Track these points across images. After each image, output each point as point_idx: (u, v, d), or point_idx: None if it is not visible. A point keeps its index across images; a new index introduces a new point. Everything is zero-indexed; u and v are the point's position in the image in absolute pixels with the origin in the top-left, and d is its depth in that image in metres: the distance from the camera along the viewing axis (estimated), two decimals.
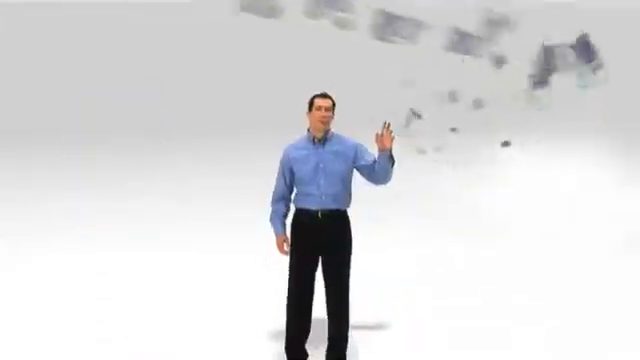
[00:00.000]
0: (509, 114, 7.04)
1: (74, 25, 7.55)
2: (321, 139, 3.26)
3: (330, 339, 3.38)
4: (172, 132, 8.04)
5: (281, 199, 3.40)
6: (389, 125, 3.09)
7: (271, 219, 3.44)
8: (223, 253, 5.81)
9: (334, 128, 3.36)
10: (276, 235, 3.41)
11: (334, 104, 3.29)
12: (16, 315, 4.26)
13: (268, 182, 3.55)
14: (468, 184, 7.85)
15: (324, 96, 3.26)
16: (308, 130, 3.31)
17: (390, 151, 3.15)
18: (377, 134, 3.11)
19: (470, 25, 6.21)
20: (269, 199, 3.50)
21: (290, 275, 3.34)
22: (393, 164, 3.23)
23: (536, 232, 6.85)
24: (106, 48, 7.71)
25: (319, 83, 4.07)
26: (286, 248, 3.39)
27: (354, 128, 4.29)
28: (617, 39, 6.54)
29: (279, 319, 3.97)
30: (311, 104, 3.26)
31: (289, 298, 3.36)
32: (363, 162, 3.27)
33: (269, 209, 3.47)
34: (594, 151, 7.93)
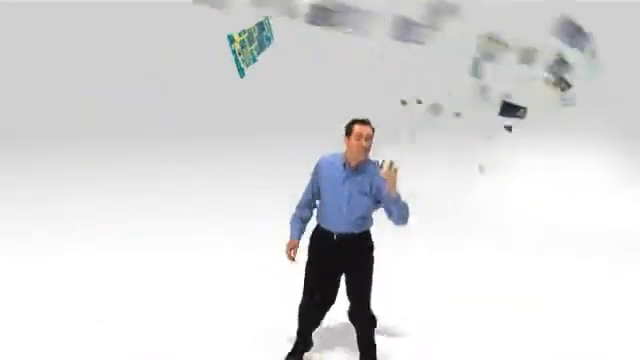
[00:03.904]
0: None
1: (76, 25, 7.55)
2: (354, 167, 3.13)
3: (360, 351, 3.42)
4: (172, 132, 8.04)
5: (306, 206, 3.38)
6: (392, 163, 2.89)
7: (291, 221, 3.42)
8: (223, 253, 5.81)
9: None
10: (290, 238, 3.37)
11: (373, 131, 3.12)
12: (16, 315, 4.26)
13: (268, 182, 3.56)
14: (467, 184, 7.86)
15: (364, 122, 3.10)
16: (348, 152, 3.14)
17: (396, 195, 2.96)
18: (382, 174, 2.92)
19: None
20: (268, 199, 3.51)
21: (304, 286, 3.38)
22: (405, 207, 3.03)
23: (537, 231, 6.85)
24: (106, 49, 7.70)
25: (321, 84, 4.07)
26: (293, 255, 3.38)
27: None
28: (616, 36, 6.53)
29: (279, 319, 3.98)
30: (350, 130, 3.09)
31: (300, 307, 3.43)
32: (380, 199, 3.10)
33: (292, 210, 3.45)
34: (595, 151, 7.93)
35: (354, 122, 3.10)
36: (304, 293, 3.39)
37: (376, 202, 3.13)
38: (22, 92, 7.80)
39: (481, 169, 6.84)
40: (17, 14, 7.51)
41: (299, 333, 3.53)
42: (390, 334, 3.96)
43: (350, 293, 3.31)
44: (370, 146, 3.08)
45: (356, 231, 3.20)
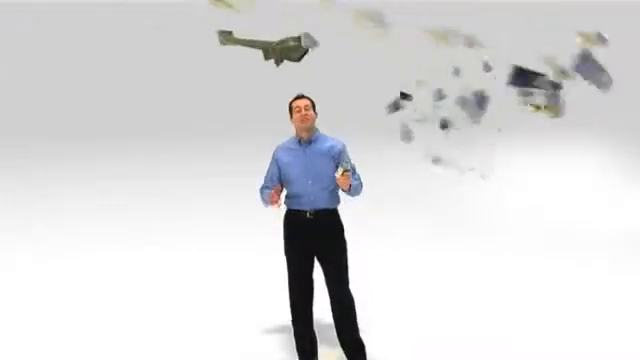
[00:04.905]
0: (509, 113, 7.03)
1: (75, 26, 7.56)
2: (307, 140, 3.28)
3: (344, 346, 3.34)
4: (173, 132, 8.05)
5: (270, 183, 3.37)
6: (344, 171, 3.09)
7: (261, 194, 3.38)
8: (223, 253, 5.82)
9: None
10: (270, 194, 3.26)
11: (314, 104, 3.32)
12: (15, 314, 4.26)
13: None
14: (467, 185, 7.85)
15: (300, 97, 3.31)
16: (296, 129, 3.33)
17: (350, 187, 3.20)
18: (336, 177, 3.12)
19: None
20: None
21: (289, 279, 3.33)
22: (358, 184, 3.28)
23: (536, 231, 6.85)
24: (105, 48, 7.71)
25: (323, 84, 4.08)
26: (277, 198, 3.26)
27: (347, 127, 4.30)
28: (616, 37, 6.52)
29: (279, 319, 3.98)
30: (290, 109, 3.31)
31: (292, 305, 3.34)
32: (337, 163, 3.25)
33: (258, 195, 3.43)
34: (595, 150, 7.92)
35: (292, 100, 3.31)
36: (293, 287, 3.31)
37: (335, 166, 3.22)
38: (22, 92, 7.81)
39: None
40: (16, 14, 7.52)
41: (300, 350, 3.40)
42: (386, 336, 3.96)
43: (329, 275, 3.27)
44: (311, 115, 3.26)
45: (328, 206, 3.26)
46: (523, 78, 4.13)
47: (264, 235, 5.74)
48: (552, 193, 7.66)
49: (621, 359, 3.63)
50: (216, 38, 4.41)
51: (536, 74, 4.09)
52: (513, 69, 4.00)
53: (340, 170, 3.10)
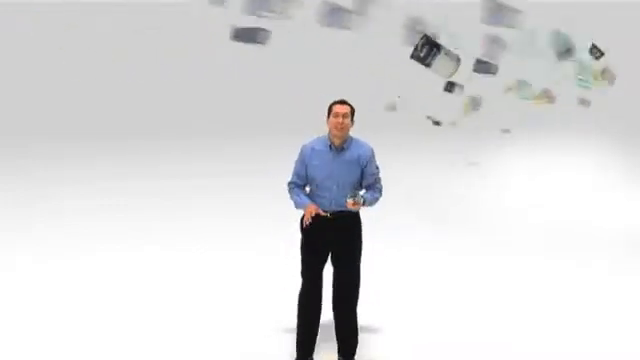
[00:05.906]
0: (509, 113, 7.04)
1: (75, 26, 7.55)
2: (339, 146, 3.27)
3: (340, 340, 3.38)
4: (173, 132, 8.05)
5: (300, 179, 3.40)
6: (354, 203, 3.15)
7: (296, 193, 3.37)
8: (224, 251, 5.80)
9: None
10: (307, 205, 3.26)
11: (353, 111, 3.29)
12: (15, 314, 4.25)
13: (269, 182, 3.56)
14: (467, 184, 7.85)
15: (341, 102, 3.28)
16: (330, 132, 3.30)
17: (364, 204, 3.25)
18: (347, 202, 3.16)
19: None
20: (270, 199, 3.50)
21: (302, 276, 3.36)
22: (373, 199, 3.35)
23: (536, 231, 6.84)
24: (105, 48, 7.70)
25: (323, 86, 4.07)
26: (319, 213, 3.25)
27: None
28: (615, 37, 6.54)
29: (279, 319, 3.98)
30: (329, 110, 3.28)
31: (300, 301, 3.37)
32: (364, 180, 3.34)
33: (286, 190, 3.46)
34: (595, 150, 7.92)
35: (333, 103, 3.29)
36: (303, 279, 3.35)
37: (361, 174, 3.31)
38: (22, 92, 7.80)
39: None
40: (16, 14, 7.51)
41: (299, 344, 3.41)
42: (387, 336, 3.96)
43: (338, 277, 3.31)
44: (346, 124, 3.24)
45: (350, 209, 3.28)
46: (244, 35, 4.29)
47: (264, 235, 5.76)
48: (552, 193, 7.66)
49: (621, 359, 3.63)
50: (216, 38, 4.38)
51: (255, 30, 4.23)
52: (232, 28, 4.12)
53: (350, 201, 3.15)
